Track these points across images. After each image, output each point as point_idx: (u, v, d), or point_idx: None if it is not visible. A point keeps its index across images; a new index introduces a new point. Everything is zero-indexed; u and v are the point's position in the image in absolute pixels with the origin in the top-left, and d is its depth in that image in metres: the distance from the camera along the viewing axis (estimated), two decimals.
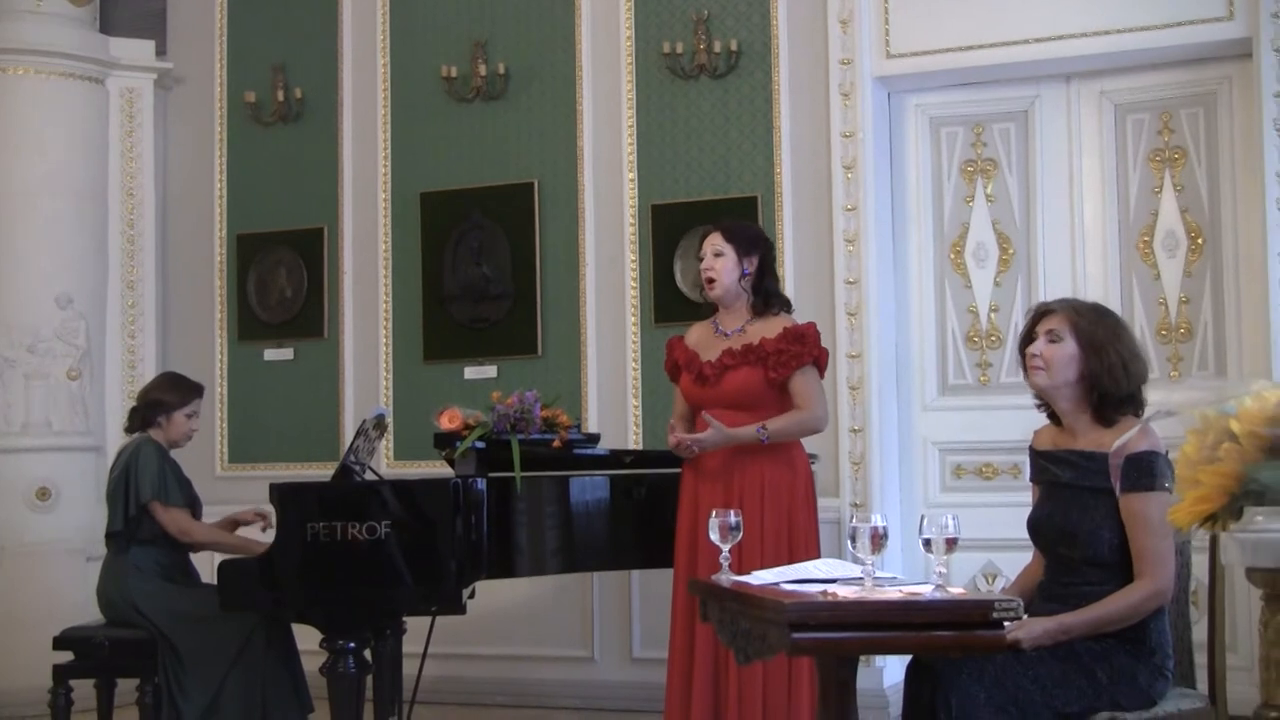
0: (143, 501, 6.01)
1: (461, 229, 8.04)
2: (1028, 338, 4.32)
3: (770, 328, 5.56)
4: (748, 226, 5.88)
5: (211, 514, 6.50)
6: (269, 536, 5.67)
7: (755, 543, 5.31)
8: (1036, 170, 7.34)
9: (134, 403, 6.47)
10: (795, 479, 5.53)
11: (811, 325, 5.62)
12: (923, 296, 7.50)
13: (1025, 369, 4.32)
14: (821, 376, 5.64)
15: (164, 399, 6.24)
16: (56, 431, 8.06)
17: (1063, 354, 4.20)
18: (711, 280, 5.66)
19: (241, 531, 6.37)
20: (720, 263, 5.63)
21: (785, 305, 5.71)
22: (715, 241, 5.66)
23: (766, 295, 5.64)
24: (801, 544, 5.40)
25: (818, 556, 5.18)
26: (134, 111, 8.49)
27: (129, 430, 6.31)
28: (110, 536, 6.12)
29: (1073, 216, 7.27)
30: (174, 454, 6.31)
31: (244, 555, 5.82)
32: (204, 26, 8.69)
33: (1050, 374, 4.21)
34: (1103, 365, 4.14)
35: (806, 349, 5.52)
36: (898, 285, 7.50)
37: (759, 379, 5.50)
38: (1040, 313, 4.34)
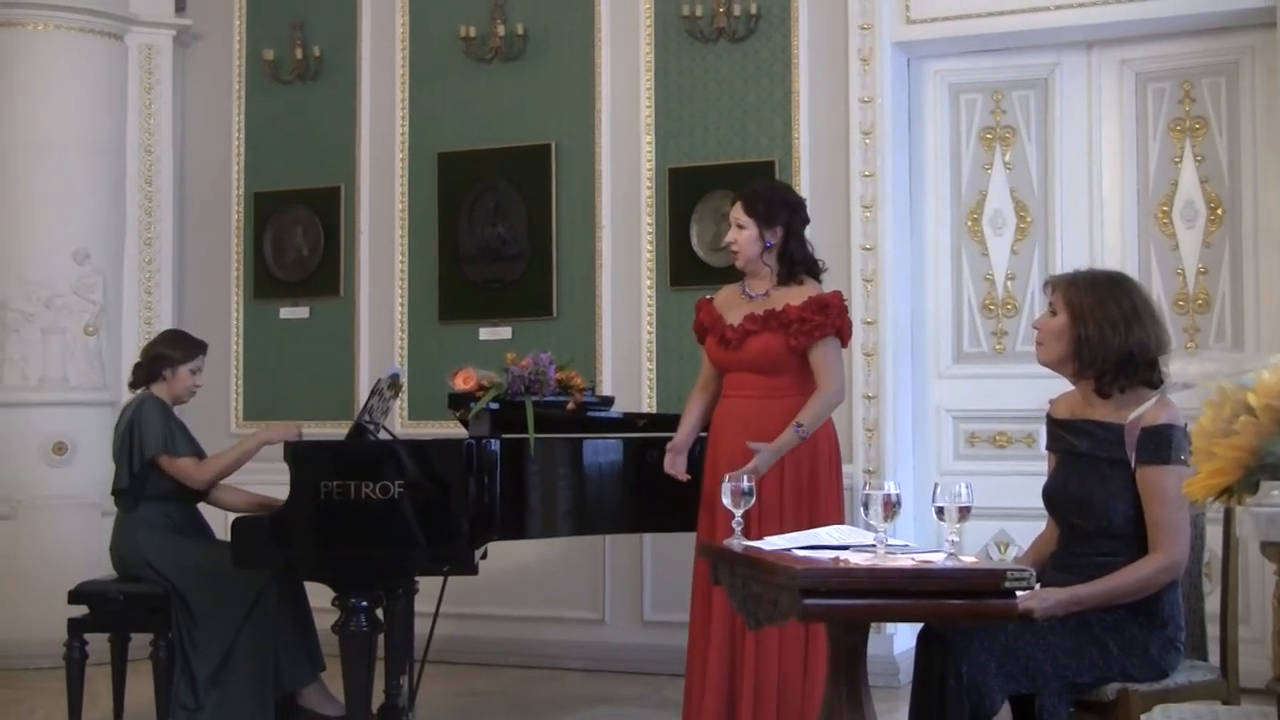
0: (148, 456, 6.03)
1: (478, 189, 8.04)
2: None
3: (796, 295, 5.50)
4: (772, 194, 5.70)
5: None
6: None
7: (775, 509, 5.30)
8: (1055, 138, 7.32)
9: (138, 359, 6.47)
10: (818, 446, 5.50)
11: (837, 295, 5.56)
12: (939, 264, 7.49)
13: None
14: (845, 346, 5.62)
15: (169, 354, 6.24)
16: (73, 386, 8.10)
17: (1054, 327, 4.19)
18: (735, 253, 5.64)
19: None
20: (742, 235, 5.57)
21: (813, 271, 5.64)
22: (737, 214, 5.60)
23: (791, 263, 5.58)
24: (823, 511, 5.37)
25: (840, 523, 5.16)
26: (153, 68, 8.49)
27: (133, 385, 6.31)
28: (118, 494, 6.14)
29: (1091, 185, 7.25)
30: (183, 412, 6.32)
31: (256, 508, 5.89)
32: None
33: (1045, 348, 4.22)
34: (1086, 335, 4.13)
35: (829, 319, 5.46)
36: (914, 252, 7.49)
37: (780, 345, 5.46)
38: (1044, 286, 4.35)
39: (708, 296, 5.81)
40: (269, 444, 6.09)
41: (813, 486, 5.44)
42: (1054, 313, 4.20)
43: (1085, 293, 4.18)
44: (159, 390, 6.21)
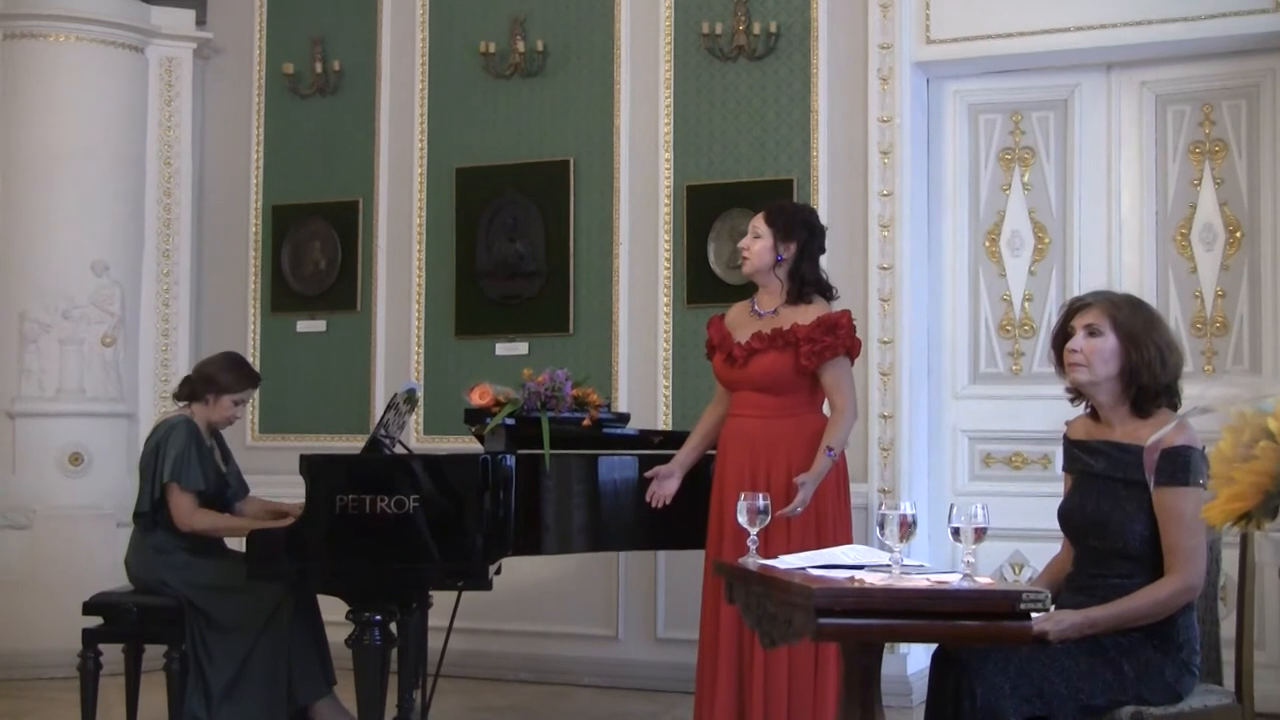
0: (164, 482, 6.01)
1: (496, 205, 8.05)
2: (1062, 333, 4.28)
3: (804, 314, 5.51)
4: (795, 212, 5.73)
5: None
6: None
7: (781, 531, 5.29)
8: (1074, 160, 7.31)
9: (189, 372, 6.44)
10: None
11: (845, 314, 5.56)
12: (956, 284, 7.48)
13: (1061, 365, 4.27)
14: (853, 364, 5.62)
15: (219, 378, 6.18)
16: (90, 397, 8.11)
17: (1104, 348, 4.15)
18: (745, 259, 5.66)
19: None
20: (757, 244, 5.60)
21: (824, 292, 5.65)
22: (756, 223, 5.63)
23: (801, 283, 5.59)
24: (830, 532, 5.37)
25: (848, 544, 5.16)
26: (173, 80, 8.52)
27: (177, 398, 6.30)
28: (137, 515, 6.13)
29: (1110, 207, 7.24)
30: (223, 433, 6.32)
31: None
32: None
33: (1091, 369, 4.16)
34: (1142, 358, 4.10)
35: (839, 340, 5.46)
36: (931, 272, 7.49)
37: (788, 365, 5.47)
38: (1075, 307, 4.28)
39: (719, 314, 5.82)
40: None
41: (819, 508, 5.42)
42: (1095, 334, 4.18)
43: (1133, 315, 4.16)
44: (198, 410, 6.18)
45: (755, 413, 5.54)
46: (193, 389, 6.20)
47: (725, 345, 5.63)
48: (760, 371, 5.51)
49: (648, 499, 5.72)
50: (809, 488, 5.32)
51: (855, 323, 5.59)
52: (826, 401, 5.59)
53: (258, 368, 8.38)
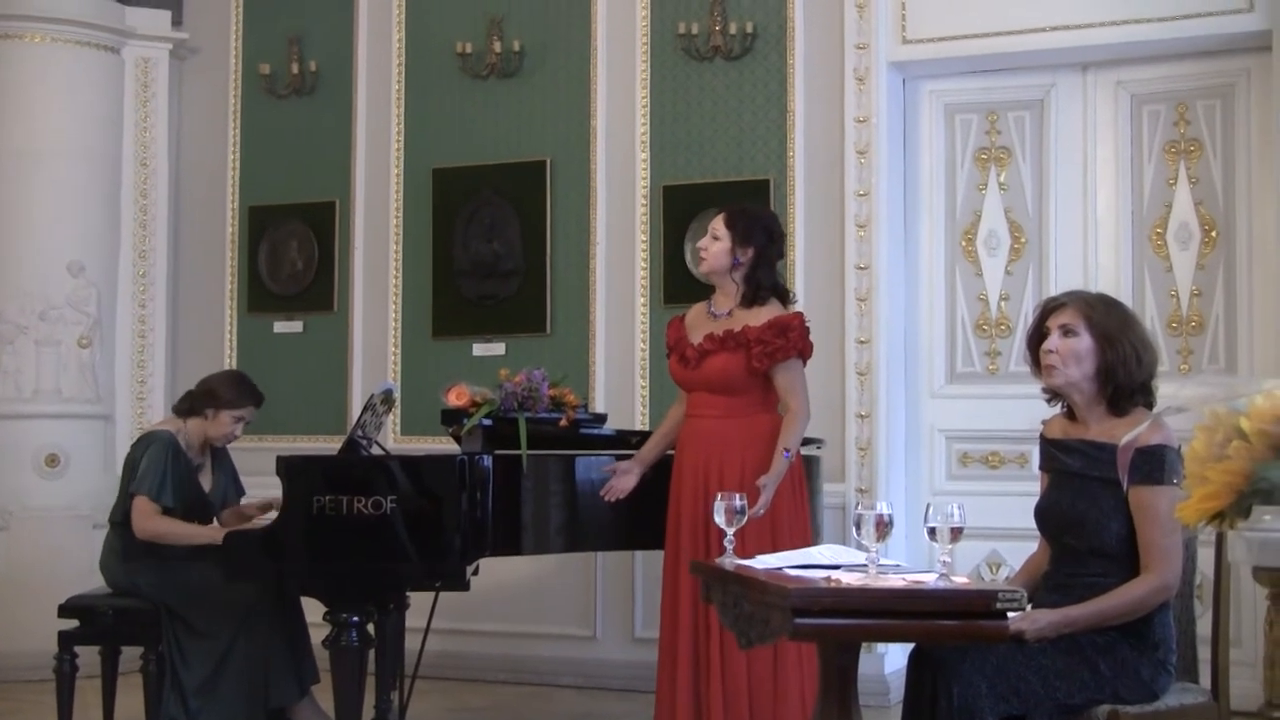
0: (131, 491, 5.98)
1: (473, 205, 8.04)
2: (1038, 334, 4.29)
3: (757, 316, 5.53)
4: (755, 217, 5.73)
5: None
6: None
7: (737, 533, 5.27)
8: (1050, 159, 7.32)
9: (193, 387, 6.37)
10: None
11: (798, 316, 5.57)
12: (933, 283, 7.49)
13: (1037, 366, 4.28)
14: (804, 366, 5.62)
15: (220, 393, 6.13)
16: (66, 399, 8.09)
17: (1079, 348, 4.16)
18: (702, 259, 5.69)
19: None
20: (715, 246, 5.62)
21: (780, 295, 5.65)
22: (716, 224, 5.65)
23: (757, 287, 5.59)
24: (785, 533, 5.36)
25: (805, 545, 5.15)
26: (149, 81, 8.50)
27: (176, 410, 6.25)
28: (113, 522, 6.10)
29: (1086, 207, 7.26)
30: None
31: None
32: None
33: (1066, 370, 4.18)
34: (1118, 356, 4.12)
35: (791, 342, 5.47)
36: (908, 272, 7.49)
37: (739, 366, 5.49)
38: (1050, 307, 4.30)
39: (679, 315, 5.84)
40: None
41: (774, 510, 5.40)
42: (1070, 334, 4.18)
43: (1107, 314, 4.18)
44: (195, 425, 6.13)
45: (709, 413, 5.56)
46: (192, 404, 6.15)
47: (680, 346, 5.66)
48: (713, 372, 5.54)
49: (603, 494, 5.72)
50: (770, 489, 5.33)
51: (809, 325, 5.60)
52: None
53: (235, 368, 8.40)
